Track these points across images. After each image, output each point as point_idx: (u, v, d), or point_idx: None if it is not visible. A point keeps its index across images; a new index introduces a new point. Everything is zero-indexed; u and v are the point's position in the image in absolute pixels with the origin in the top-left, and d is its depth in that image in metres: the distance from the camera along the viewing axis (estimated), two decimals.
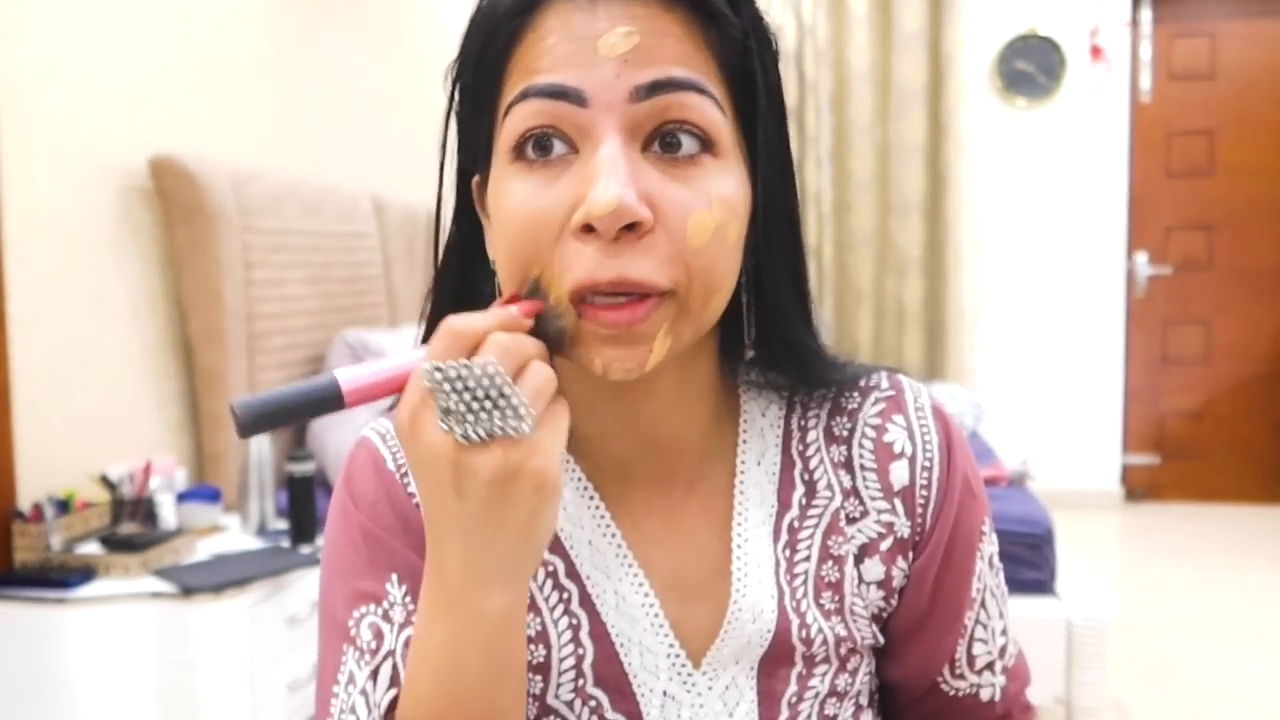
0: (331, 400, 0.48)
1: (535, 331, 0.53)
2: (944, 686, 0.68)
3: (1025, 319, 4.61)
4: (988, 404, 4.10)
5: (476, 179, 0.63)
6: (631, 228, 0.52)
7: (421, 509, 0.51)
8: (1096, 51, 4.45)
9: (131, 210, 2.20)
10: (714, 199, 0.54)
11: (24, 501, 1.87)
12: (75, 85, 2.03)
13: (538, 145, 0.54)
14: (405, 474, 0.64)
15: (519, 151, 0.55)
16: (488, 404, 0.47)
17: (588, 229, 0.52)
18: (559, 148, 0.54)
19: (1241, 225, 4.53)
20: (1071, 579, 2.23)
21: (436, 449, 0.48)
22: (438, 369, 0.47)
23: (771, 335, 0.63)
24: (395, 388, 0.50)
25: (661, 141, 0.54)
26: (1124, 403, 4.64)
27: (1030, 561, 2.16)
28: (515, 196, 0.55)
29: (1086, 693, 2.07)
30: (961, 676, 0.68)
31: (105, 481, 1.96)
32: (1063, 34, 4.47)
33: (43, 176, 1.95)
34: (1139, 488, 4.68)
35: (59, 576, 1.74)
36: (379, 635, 0.61)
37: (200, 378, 2.30)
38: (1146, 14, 4.50)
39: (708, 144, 0.55)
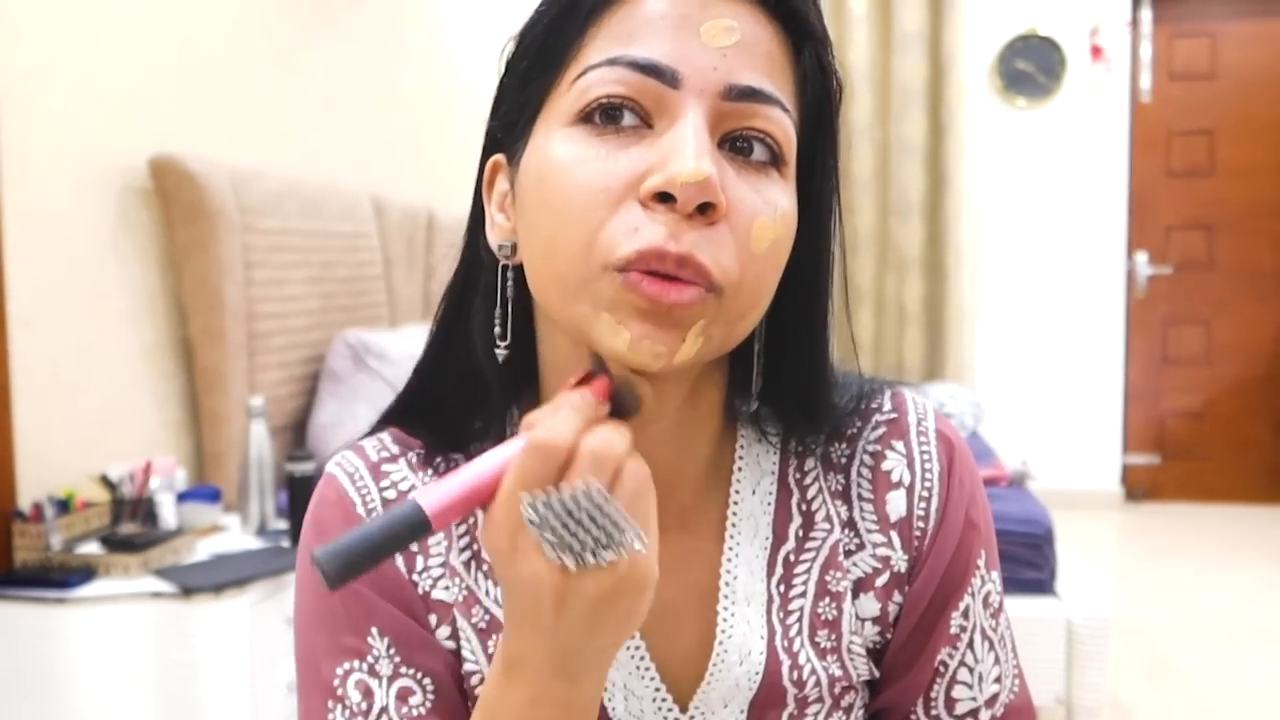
0: (418, 527, 0.45)
1: (610, 409, 0.50)
2: None
3: (1025, 319, 4.61)
4: (988, 404, 4.10)
5: (497, 159, 0.60)
6: (703, 210, 0.50)
7: (505, 616, 0.49)
8: (1096, 51, 4.45)
9: (131, 210, 2.19)
10: (779, 210, 0.53)
11: (24, 501, 1.87)
12: (75, 85, 2.03)
13: (607, 114, 0.52)
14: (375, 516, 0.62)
15: (586, 117, 0.53)
16: (594, 530, 0.45)
17: (662, 198, 0.50)
18: (629, 119, 0.52)
19: (1241, 225, 4.53)
20: (1071, 579, 2.23)
21: (540, 577, 0.46)
22: (540, 504, 0.45)
23: (781, 370, 0.61)
24: (483, 498, 0.47)
25: (736, 142, 0.53)
26: (1124, 403, 4.64)
27: (1030, 561, 2.16)
28: (571, 157, 0.52)
29: (1086, 693, 2.07)
30: (938, 719, 0.63)
31: (105, 481, 1.96)
32: (1063, 34, 4.48)
33: (43, 176, 1.95)
34: (1139, 488, 4.68)
35: (59, 576, 1.73)
36: (368, 694, 0.59)
37: (200, 378, 2.30)
38: (1146, 14, 4.50)
39: (777, 159, 0.54)
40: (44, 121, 1.96)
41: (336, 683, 0.59)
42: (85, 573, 1.76)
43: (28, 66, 1.92)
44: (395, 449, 0.64)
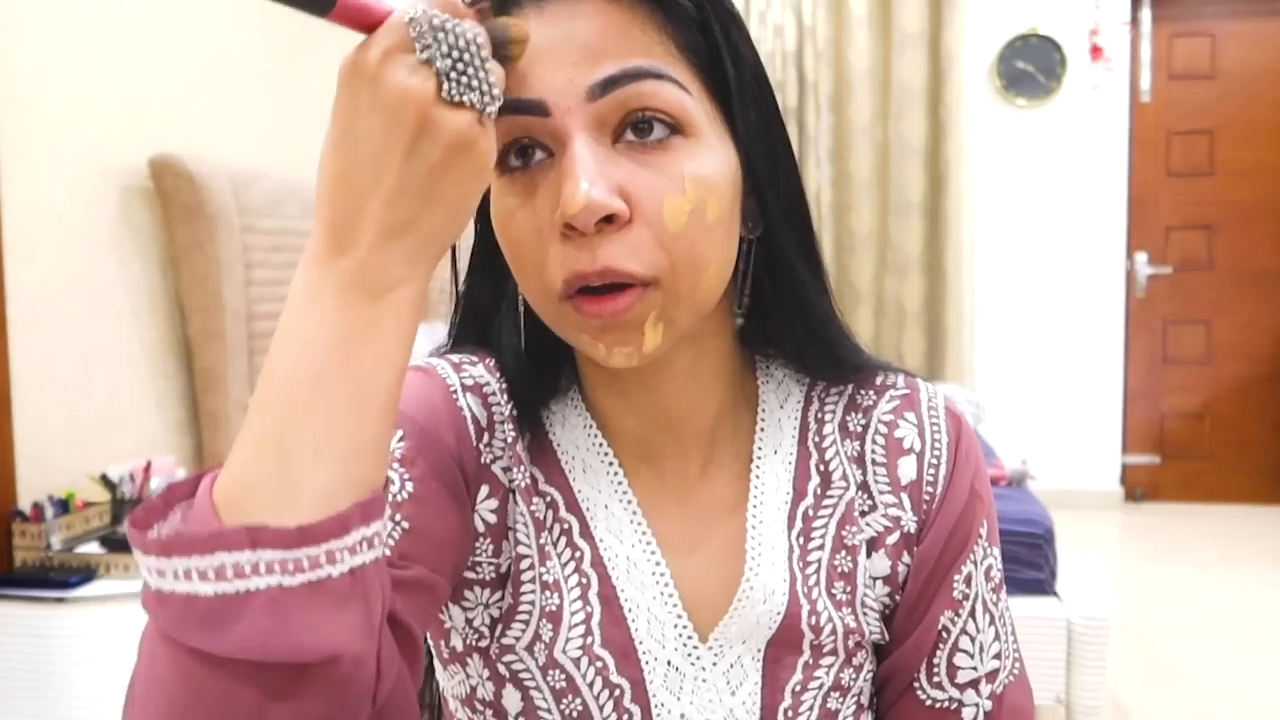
0: None
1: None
2: (920, 693, 0.66)
3: (1025, 319, 4.61)
4: (988, 404, 4.10)
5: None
6: (609, 220, 0.54)
7: (341, 165, 0.47)
8: (1096, 51, 4.45)
9: (131, 210, 2.20)
10: (687, 181, 0.55)
11: (24, 501, 1.87)
12: (75, 85, 2.03)
13: (519, 153, 0.56)
14: (455, 393, 0.64)
15: (503, 165, 0.57)
16: (470, 70, 0.46)
17: (569, 228, 0.54)
18: (538, 155, 0.56)
19: (1241, 225, 4.53)
20: (1071, 579, 2.23)
21: (409, 92, 0.45)
22: (434, 19, 0.46)
23: (785, 295, 0.64)
24: (381, 22, 0.47)
25: (631, 130, 0.55)
26: (1124, 403, 4.64)
27: (1030, 561, 2.16)
28: (506, 209, 0.57)
29: (1086, 693, 2.07)
30: (940, 686, 0.66)
31: (105, 481, 1.96)
32: (1063, 34, 4.47)
33: (43, 176, 1.95)
34: (1139, 488, 4.68)
35: (59, 576, 1.74)
36: None
37: (200, 378, 2.30)
38: (1146, 14, 4.50)
39: (676, 126, 0.56)
40: (44, 121, 1.96)
41: None
42: (85, 573, 1.76)
43: (28, 67, 1.92)
44: (474, 358, 0.68)
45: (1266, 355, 4.57)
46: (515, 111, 0.55)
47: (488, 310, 0.67)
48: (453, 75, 0.46)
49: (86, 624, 1.71)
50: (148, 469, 2.00)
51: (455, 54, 0.46)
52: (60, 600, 1.71)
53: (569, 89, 0.54)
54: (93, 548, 1.86)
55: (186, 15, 2.36)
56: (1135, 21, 4.49)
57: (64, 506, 1.87)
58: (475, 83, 0.47)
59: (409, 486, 0.59)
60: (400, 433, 0.60)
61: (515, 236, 0.57)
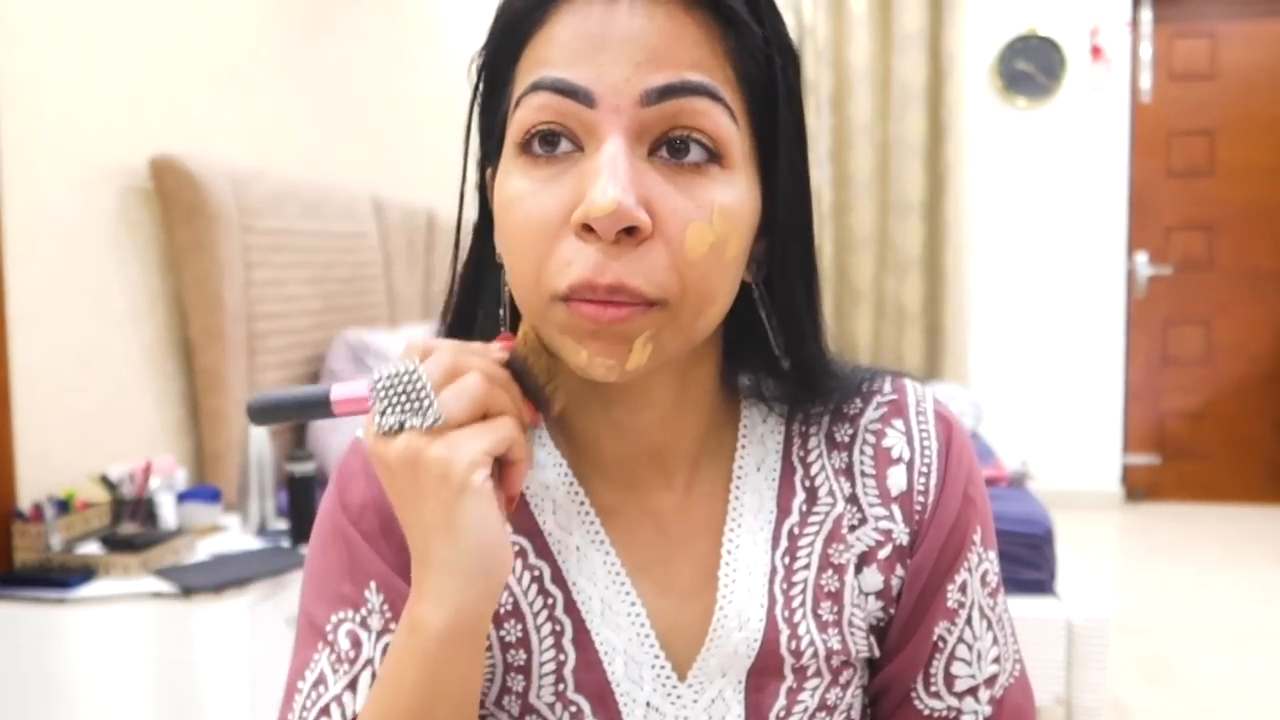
0: (322, 407, 0.57)
1: (516, 378, 0.56)
2: (918, 703, 0.64)
3: (1025, 319, 4.61)
4: (987, 404, 4.10)
5: (490, 170, 0.62)
6: (630, 232, 0.51)
7: None
8: (1096, 51, 4.45)
9: (131, 210, 2.19)
10: (715, 211, 0.53)
11: (24, 501, 1.87)
12: (75, 85, 2.03)
13: (544, 140, 0.54)
14: None
15: (525, 146, 0.54)
16: (400, 399, 0.52)
17: (587, 228, 0.51)
18: (565, 145, 0.53)
19: (1241, 225, 4.53)
20: (1071, 579, 2.23)
21: (369, 444, 0.53)
22: (383, 376, 0.53)
23: (784, 347, 0.62)
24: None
25: (669, 147, 0.53)
26: (1124, 403, 4.64)
27: (1030, 561, 2.16)
28: (518, 191, 0.54)
29: (1086, 693, 2.07)
30: (938, 696, 0.64)
31: (105, 481, 1.96)
32: (1063, 34, 4.48)
33: (43, 176, 1.95)
34: (1139, 488, 4.68)
35: (59, 576, 1.73)
36: (357, 643, 0.60)
37: (200, 378, 2.30)
38: (1146, 14, 4.50)
39: (716, 154, 0.54)
40: (44, 121, 1.96)
41: (329, 628, 0.61)
42: (85, 573, 1.76)
43: (28, 67, 1.92)
44: None
45: (1266, 355, 4.57)
46: (559, 92, 0.52)
47: (468, 314, 0.65)
48: (384, 412, 0.52)
49: (86, 624, 1.71)
50: (148, 469, 2.00)
51: (391, 395, 0.52)
52: (60, 600, 1.71)
53: (624, 88, 0.52)
54: (93, 548, 1.85)
55: (186, 15, 2.36)
56: (1135, 22, 4.49)
57: (64, 506, 1.87)
58: (404, 407, 0.52)
59: None
60: (374, 586, 0.62)
61: (520, 222, 0.54)
